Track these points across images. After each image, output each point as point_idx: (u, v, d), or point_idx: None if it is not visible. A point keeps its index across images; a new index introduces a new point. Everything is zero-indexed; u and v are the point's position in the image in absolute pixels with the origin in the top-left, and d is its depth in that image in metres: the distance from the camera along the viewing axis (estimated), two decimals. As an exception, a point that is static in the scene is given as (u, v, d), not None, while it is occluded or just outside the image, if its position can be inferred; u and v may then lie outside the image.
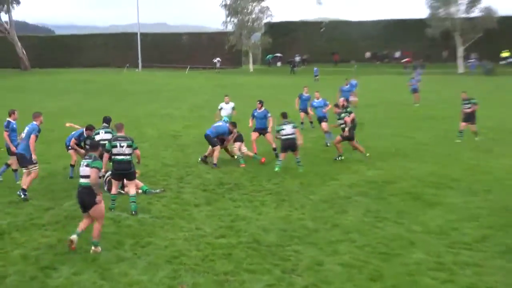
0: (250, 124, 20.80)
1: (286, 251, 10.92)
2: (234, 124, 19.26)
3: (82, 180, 10.87)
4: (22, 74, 72.64)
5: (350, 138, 19.10)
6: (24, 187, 14.53)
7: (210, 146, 18.94)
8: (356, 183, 16.13)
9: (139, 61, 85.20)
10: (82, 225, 11.07)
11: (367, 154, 19.27)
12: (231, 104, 22.76)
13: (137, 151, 13.79)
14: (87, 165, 10.84)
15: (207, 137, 18.70)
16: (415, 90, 36.75)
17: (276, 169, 17.55)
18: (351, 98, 31.11)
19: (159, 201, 14.39)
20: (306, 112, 25.73)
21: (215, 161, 18.37)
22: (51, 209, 13.71)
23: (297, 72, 75.12)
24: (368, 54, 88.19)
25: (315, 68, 62.93)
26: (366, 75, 62.69)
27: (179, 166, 18.62)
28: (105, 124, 16.32)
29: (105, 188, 14.87)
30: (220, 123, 19.14)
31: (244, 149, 19.05)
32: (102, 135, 16.14)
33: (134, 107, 36.78)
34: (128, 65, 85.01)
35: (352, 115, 19.85)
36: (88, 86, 53.74)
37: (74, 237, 10.86)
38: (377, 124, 28.22)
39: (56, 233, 11.93)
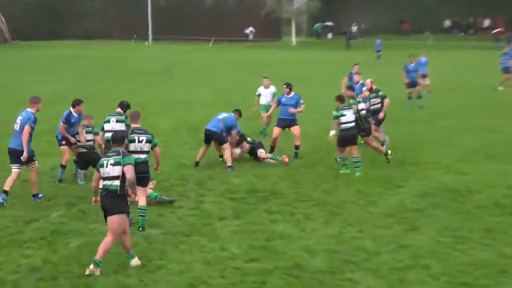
0: (271, 110, 20.93)
1: (337, 279, 10.84)
2: (239, 113, 19.59)
3: (107, 183, 11.02)
4: (0, 48, 73.61)
5: (366, 132, 18.78)
6: (34, 191, 15.28)
7: (202, 148, 19.05)
8: (430, 191, 15.99)
9: (149, 31, 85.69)
10: (124, 242, 11.26)
11: (389, 158, 18.94)
12: (272, 89, 22.64)
13: (157, 149, 13.81)
14: (115, 164, 10.98)
15: (213, 134, 18.67)
16: (507, 70, 36.21)
17: (347, 170, 17.79)
18: (421, 81, 30.85)
19: (174, 212, 14.44)
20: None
21: (229, 163, 18.44)
22: (35, 221, 13.81)
23: (353, 46, 74.70)
24: (447, 23, 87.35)
25: (377, 41, 62.58)
26: (444, 50, 62.03)
27: (200, 167, 18.69)
28: (119, 110, 16.41)
29: None
30: (225, 114, 19.23)
31: (264, 153, 19.46)
32: (112, 124, 16.21)
33: (142, 90, 36.97)
34: (135, 36, 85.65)
35: (386, 101, 19.90)
36: (83, 64, 54.17)
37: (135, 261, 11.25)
38: (457, 114, 27.91)
39: (40, 252, 12.01)
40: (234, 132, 19.01)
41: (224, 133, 18.68)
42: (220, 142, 18.71)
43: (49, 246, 12.28)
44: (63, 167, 16.99)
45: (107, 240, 10.97)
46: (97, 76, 45.40)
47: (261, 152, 19.44)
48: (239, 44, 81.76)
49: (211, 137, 18.73)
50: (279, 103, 20.30)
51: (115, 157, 11.07)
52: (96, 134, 17.05)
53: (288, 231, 13.14)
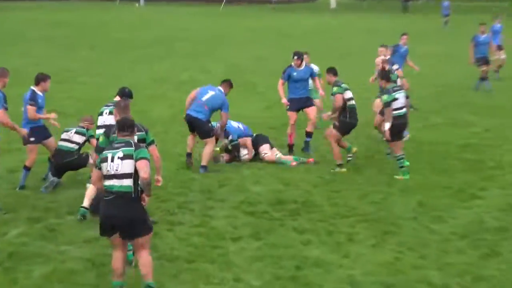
0: (281, 93, 20.90)
1: (391, 323, 10.80)
2: (229, 85, 19.37)
3: (114, 183, 10.82)
4: None
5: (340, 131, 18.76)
6: None
7: (190, 137, 19.15)
8: (517, 204, 15.93)
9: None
10: (119, 262, 11.09)
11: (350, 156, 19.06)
12: (314, 68, 22.49)
13: (155, 150, 13.44)
14: (126, 157, 10.81)
15: (195, 122, 18.70)
16: None
17: (406, 176, 17.80)
18: (496, 54, 30.82)
19: (172, 230, 14.33)
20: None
21: (204, 161, 18.52)
22: (-12, 241, 13.83)
23: (412, 9, 74.57)
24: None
25: (444, 3, 62.39)
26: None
27: (207, 170, 18.61)
28: (117, 100, 16.23)
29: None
30: (211, 93, 18.96)
31: (269, 153, 19.53)
32: (104, 117, 16.10)
33: (132, 67, 37.13)
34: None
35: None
36: (56, 32, 54.48)
37: None
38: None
39: (-6, 283, 12.01)
40: (224, 114, 18.89)
41: (210, 122, 18.76)
42: (203, 134, 18.72)
43: (5, 274, 12.18)
44: (27, 169, 16.94)
45: (146, 257, 10.96)
46: (74, 48, 45.59)
47: (265, 154, 19.52)
48: (260, 7, 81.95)
49: (193, 125, 18.82)
50: (288, 78, 20.43)
51: (125, 148, 10.88)
52: (91, 137, 16.99)
53: (325, 257, 13.00)
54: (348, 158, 18.85)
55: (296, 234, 14.16)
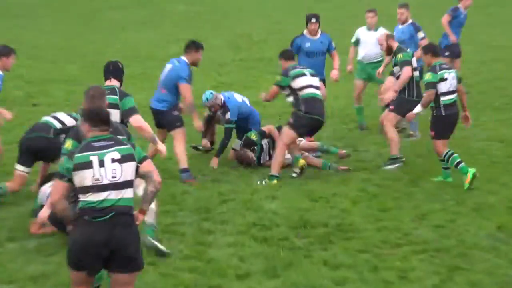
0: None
1: None
2: (196, 47, 19.24)
3: (112, 196, 10.43)
4: None
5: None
6: None
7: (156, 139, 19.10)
8: None
9: None
10: None
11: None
12: (382, 32, 22.27)
13: None
14: (126, 158, 10.56)
15: (158, 114, 18.98)
16: None
17: (468, 185, 17.68)
18: None
19: (154, 264, 14.10)
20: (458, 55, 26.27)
21: (182, 165, 18.64)
22: None
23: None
24: None
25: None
26: None
27: (204, 179, 18.64)
28: (111, 83, 16.30)
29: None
30: (168, 67, 19.05)
31: (303, 139, 19.74)
32: None
33: (107, 39, 37.07)
34: None
35: (406, 71, 19.35)
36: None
37: None
38: None
39: None
40: (181, 86, 18.73)
41: (175, 109, 18.88)
42: (167, 125, 18.89)
43: None
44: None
45: None
46: (33, 16, 45.79)
47: (300, 140, 19.52)
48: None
49: (157, 118, 19.06)
50: (298, 50, 20.82)
51: (120, 147, 10.57)
52: None
53: (367, 302, 12.90)
54: (293, 174, 18.89)
55: (327, 269, 13.87)
